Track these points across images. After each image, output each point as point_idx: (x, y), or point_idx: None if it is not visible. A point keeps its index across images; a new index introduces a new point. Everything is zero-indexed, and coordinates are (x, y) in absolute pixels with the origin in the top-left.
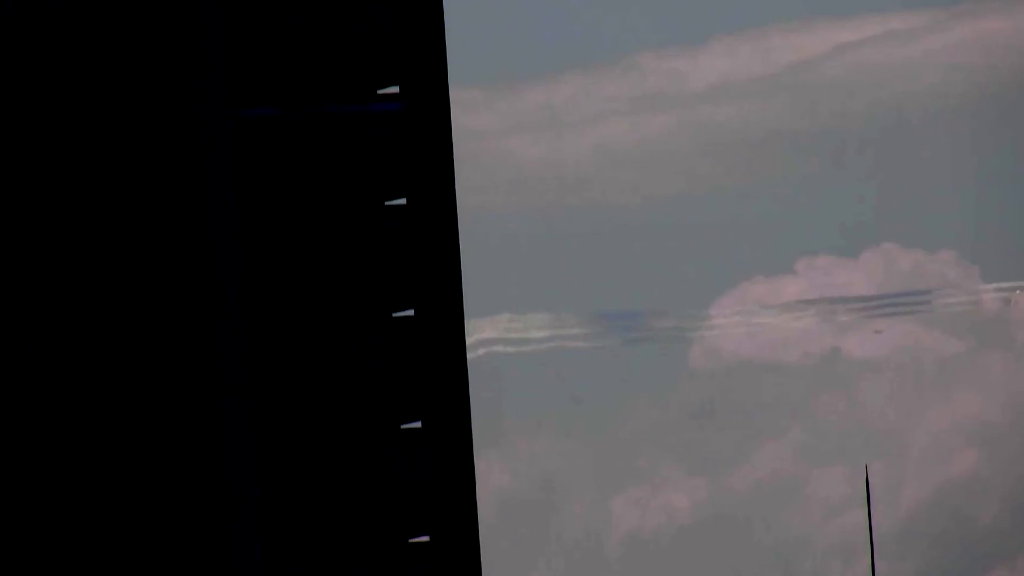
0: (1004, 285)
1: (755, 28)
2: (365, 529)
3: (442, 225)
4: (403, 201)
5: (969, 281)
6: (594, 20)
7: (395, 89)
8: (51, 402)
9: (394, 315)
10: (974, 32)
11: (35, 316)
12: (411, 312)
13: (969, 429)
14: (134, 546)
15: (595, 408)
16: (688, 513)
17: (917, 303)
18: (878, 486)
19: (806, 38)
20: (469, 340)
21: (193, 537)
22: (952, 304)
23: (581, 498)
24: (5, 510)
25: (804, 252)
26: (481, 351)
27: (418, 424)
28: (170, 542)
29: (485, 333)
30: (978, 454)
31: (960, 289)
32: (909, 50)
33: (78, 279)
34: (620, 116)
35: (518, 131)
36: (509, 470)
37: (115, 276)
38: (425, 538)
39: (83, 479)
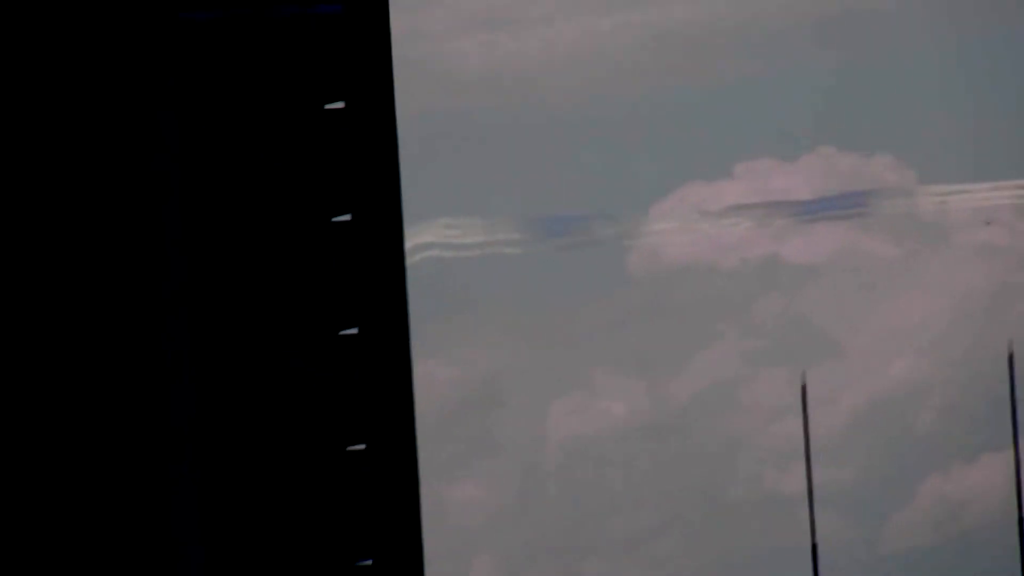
0: (942, 188)
1: None
2: (300, 439)
3: (381, 128)
4: (342, 104)
5: (907, 184)
6: None
7: None
8: None
9: (333, 219)
10: None
11: None
12: (349, 217)
13: (907, 335)
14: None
15: (532, 313)
16: (626, 418)
17: (855, 207)
18: (816, 391)
19: None
20: (407, 245)
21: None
22: (891, 207)
23: (519, 404)
24: None
25: (743, 156)
26: (418, 256)
27: (355, 331)
28: (104, 513)
29: (422, 238)
30: (916, 360)
31: (898, 192)
32: None
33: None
34: (562, 18)
35: (459, 33)
36: (446, 376)
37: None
38: (362, 446)
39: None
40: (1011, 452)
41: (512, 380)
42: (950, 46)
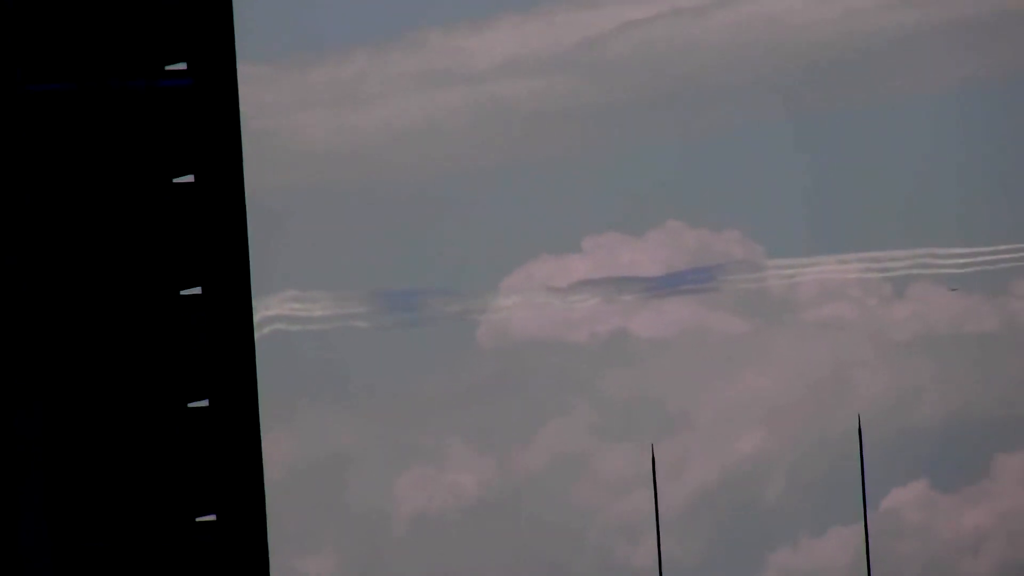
0: (789, 262)
1: (542, 5)
2: (153, 508)
3: (229, 202)
4: (191, 178)
5: (755, 259)
6: None
7: (183, 65)
8: None
9: (182, 293)
10: (760, 10)
11: None
12: (199, 290)
13: (755, 408)
14: None
15: (381, 386)
16: (475, 490)
17: (704, 282)
18: (665, 465)
19: (593, 15)
20: (256, 318)
21: None
22: (738, 282)
23: (368, 476)
24: None
25: (590, 230)
26: (267, 329)
27: (205, 403)
28: None
29: (271, 311)
30: (764, 433)
31: (746, 267)
32: (696, 27)
33: None
34: (407, 93)
35: (306, 108)
36: (296, 448)
37: None
38: (212, 517)
39: None
40: (861, 526)
41: (361, 452)
42: (792, 124)
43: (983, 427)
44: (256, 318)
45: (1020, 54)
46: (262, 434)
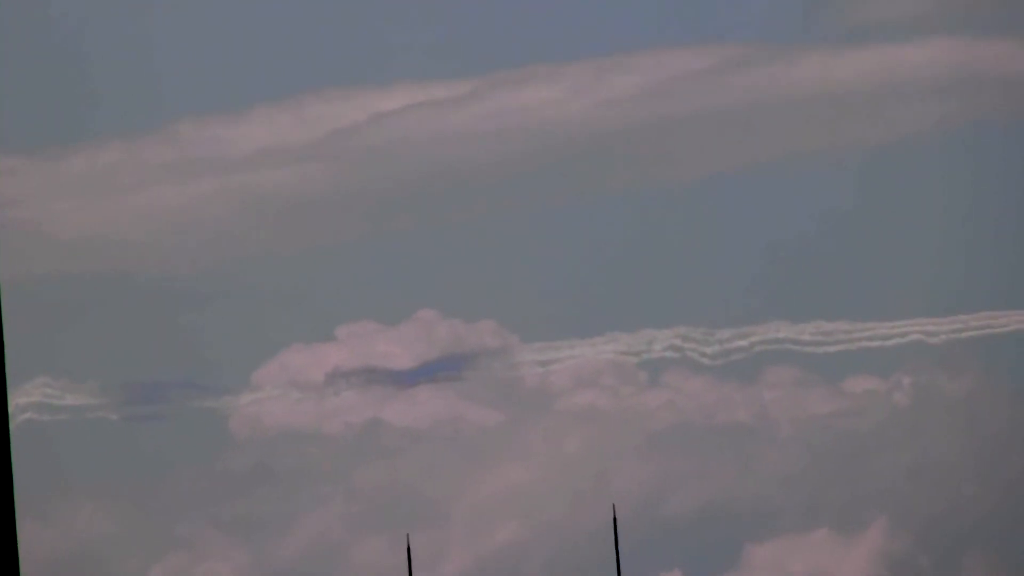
0: (543, 349)
1: (294, 96)
2: None
3: None
4: None
5: (509, 348)
6: (131, 87)
7: None
8: None
9: None
10: (512, 101)
11: None
12: None
13: (510, 498)
14: None
15: (132, 476)
16: None
17: (457, 372)
18: (421, 555)
19: (345, 106)
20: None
21: None
22: (492, 371)
23: (124, 566)
24: None
25: (345, 319)
26: (20, 418)
27: None
28: None
29: (22, 399)
30: (519, 523)
31: (499, 356)
32: (447, 118)
33: None
34: (161, 183)
35: (60, 197)
36: (51, 539)
37: None
38: None
39: None
40: None
41: (116, 543)
42: (546, 214)
43: (734, 517)
44: (11, 406)
45: (769, 145)
46: (17, 525)
